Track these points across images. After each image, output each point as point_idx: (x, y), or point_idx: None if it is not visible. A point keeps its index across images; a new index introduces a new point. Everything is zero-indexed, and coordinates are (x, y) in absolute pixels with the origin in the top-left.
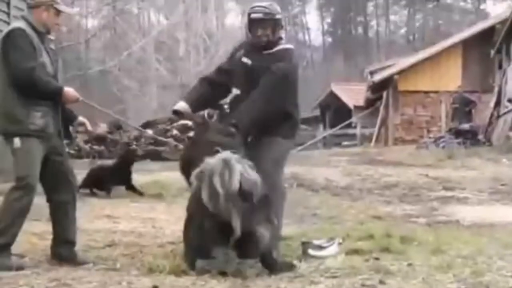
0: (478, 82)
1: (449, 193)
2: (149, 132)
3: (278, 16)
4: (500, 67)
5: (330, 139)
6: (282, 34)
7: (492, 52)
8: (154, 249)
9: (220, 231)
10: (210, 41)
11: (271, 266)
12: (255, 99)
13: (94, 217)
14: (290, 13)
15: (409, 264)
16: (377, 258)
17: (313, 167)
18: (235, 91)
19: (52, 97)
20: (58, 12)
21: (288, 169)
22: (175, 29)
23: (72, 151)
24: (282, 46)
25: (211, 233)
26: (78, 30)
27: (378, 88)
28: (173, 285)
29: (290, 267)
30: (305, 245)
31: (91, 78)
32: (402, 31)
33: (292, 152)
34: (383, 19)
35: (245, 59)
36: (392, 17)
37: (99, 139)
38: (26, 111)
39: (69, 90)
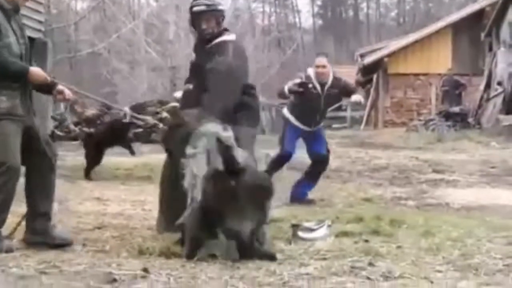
0: (468, 65)
1: (439, 176)
2: (127, 109)
3: (220, 7)
4: (490, 50)
5: None
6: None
7: (482, 35)
8: (144, 231)
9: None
10: None
11: (250, 253)
12: (207, 103)
13: (83, 199)
14: None
15: (399, 247)
16: (366, 241)
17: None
18: (187, 86)
19: (18, 78)
20: None
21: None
22: (164, 12)
23: (62, 133)
24: (221, 38)
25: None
26: (67, 12)
27: (368, 71)
28: (163, 267)
29: (271, 257)
30: (295, 227)
31: (80, 60)
32: (393, 13)
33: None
34: (373, 2)
35: (193, 54)
36: (382, 0)
37: (89, 121)
38: None
39: (35, 70)
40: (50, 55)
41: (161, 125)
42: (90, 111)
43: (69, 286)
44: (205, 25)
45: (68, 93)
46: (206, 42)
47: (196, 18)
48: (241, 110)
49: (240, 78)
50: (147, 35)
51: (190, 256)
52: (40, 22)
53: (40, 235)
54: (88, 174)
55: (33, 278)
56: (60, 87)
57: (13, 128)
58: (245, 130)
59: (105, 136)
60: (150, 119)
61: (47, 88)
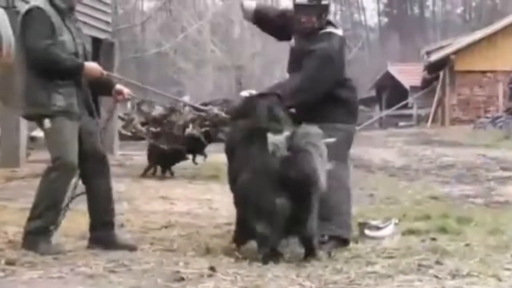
0: None
1: (506, 173)
2: (186, 99)
3: (324, 2)
4: None
5: (387, 120)
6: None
7: None
8: (211, 230)
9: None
10: None
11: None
12: (296, 78)
13: (150, 199)
14: None
15: (467, 245)
16: (434, 239)
17: (369, 148)
18: (285, 75)
19: (73, 74)
20: None
21: None
22: (230, 11)
23: (129, 133)
24: (325, 30)
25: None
26: (134, 12)
27: (434, 68)
28: (230, 266)
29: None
30: (362, 225)
31: (147, 60)
32: (459, 10)
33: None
34: None
35: (292, 43)
36: None
37: (156, 121)
38: (47, 93)
39: (91, 65)
40: (117, 55)
41: (223, 114)
42: (157, 111)
43: (137, 285)
44: (305, 18)
45: (127, 92)
46: (307, 35)
47: (297, 10)
48: (336, 104)
49: (337, 70)
50: (212, 35)
51: (266, 260)
52: (107, 22)
53: (103, 244)
54: (145, 173)
55: (102, 277)
56: (118, 86)
57: (73, 128)
58: (334, 129)
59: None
60: (212, 109)
61: (107, 88)
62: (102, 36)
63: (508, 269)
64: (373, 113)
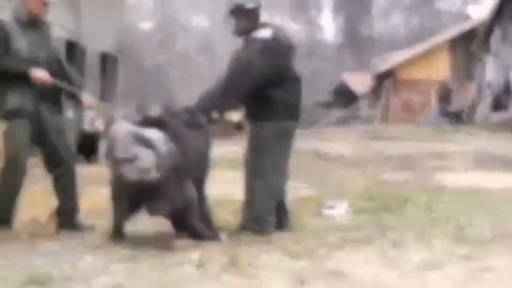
0: (463, 72)
1: (438, 163)
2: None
3: (248, 6)
4: (480, 60)
5: (341, 119)
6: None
7: (474, 48)
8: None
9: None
10: None
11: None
12: (216, 83)
13: None
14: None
15: (405, 220)
16: (378, 215)
17: (326, 142)
18: None
19: (21, 79)
20: (43, 0)
21: (307, 144)
22: (214, 31)
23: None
24: (253, 34)
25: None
26: (134, 31)
27: (381, 77)
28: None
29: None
30: (319, 205)
31: (146, 72)
32: (401, 29)
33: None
34: (384, 21)
35: None
36: (392, 19)
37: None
38: (1, 95)
39: (36, 72)
40: (119, 68)
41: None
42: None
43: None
44: (235, 23)
45: (86, 99)
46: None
47: (231, 18)
48: (267, 103)
49: (257, 76)
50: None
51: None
52: (111, 39)
53: (67, 229)
54: None
55: (103, 248)
56: (81, 94)
57: (26, 128)
58: (261, 127)
59: None
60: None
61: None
62: (107, 50)
63: (438, 239)
64: (330, 113)
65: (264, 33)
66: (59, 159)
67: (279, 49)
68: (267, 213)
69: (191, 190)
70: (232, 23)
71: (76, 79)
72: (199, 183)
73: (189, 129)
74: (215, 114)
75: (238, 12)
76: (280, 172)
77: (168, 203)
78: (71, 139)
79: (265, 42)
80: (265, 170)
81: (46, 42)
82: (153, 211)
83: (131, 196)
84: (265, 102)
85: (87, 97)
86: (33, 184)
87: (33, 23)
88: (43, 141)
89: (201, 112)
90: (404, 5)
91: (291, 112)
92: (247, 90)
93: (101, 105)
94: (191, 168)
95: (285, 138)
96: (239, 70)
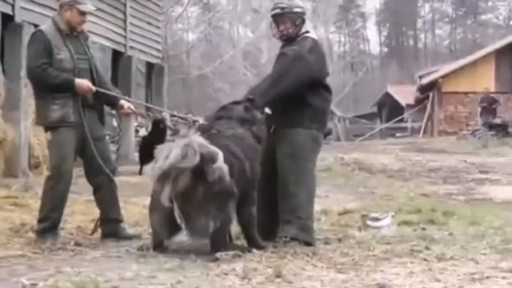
0: (508, 84)
1: (483, 176)
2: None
3: (296, 10)
4: None
5: (386, 131)
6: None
7: None
8: None
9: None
10: None
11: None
12: (266, 77)
13: None
14: (353, 28)
15: (450, 234)
16: (423, 229)
17: (371, 154)
18: None
19: (64, 89)
20: (80, 11)
21: (351, 156)
22: (259, 41)
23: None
24: (301, 36)
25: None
26: (181, 42)
27: (425, 89)
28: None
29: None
30: (364, 217)
31: (191, 81)
32: (446, 42)
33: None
34: (429, 33)
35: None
36: (437, 31)
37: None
38: (45, 105)
39: (81, 81)
40: (166, 77)
41: (201, 121)
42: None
43: (180, 263)
44: (282, 27)
45: (127, 106)
46: (285, 43)
47: (273, 21)
48: (303, 108)
49: (307, 68)
50: (244, 60)
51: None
52: (158, 50)
53: (111, 238)
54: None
55: (151, 257)
56: (122, 102)
57: (71, 138)
58: (300, 134)
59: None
60: (190, 116)
61: (113, 103)
62: (154, 61)
63: (484, 254)
64: (374, 126)
65: (312, 35)
66: (99, 168)
67: (324, 54)
68: (310, 220)
69: (233, 210)
70: (274, 28)
71: (113, 88)
72: (253, 188)
73: (242, 125)
74: (267, 109)
75: (284, 15)
76: (315, 179)
77: (208, 224)
78: (111, 149)
79: (315, 42)
80: (306, 177)
81: (86, 51)
82: (192, 233)
83: (170, 213)
84: (304, 108)
85: (128, 105)
86: (78, 193)
87: (72, 34)
88: (84, 150)
89: (254, 105)
90: (448, 17)
91: (323, 120)
92: (293, 85)
93: (144, 113)
94: (246, 181)
95: (318, 146)
96: (288, 63)
